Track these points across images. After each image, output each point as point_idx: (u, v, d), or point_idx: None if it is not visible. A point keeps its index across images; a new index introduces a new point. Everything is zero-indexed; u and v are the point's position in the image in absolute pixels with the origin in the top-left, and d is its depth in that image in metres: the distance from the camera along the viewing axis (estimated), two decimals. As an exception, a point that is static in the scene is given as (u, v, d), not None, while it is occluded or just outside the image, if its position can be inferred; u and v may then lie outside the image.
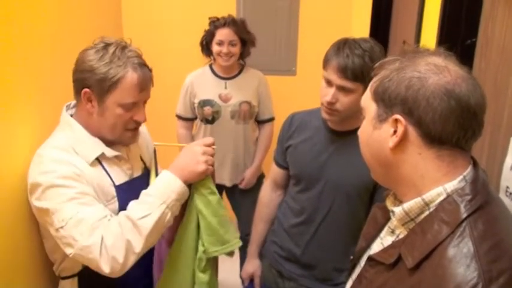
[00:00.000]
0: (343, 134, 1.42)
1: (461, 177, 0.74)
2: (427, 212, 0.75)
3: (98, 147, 1.22)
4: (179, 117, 2.43)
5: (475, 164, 0.77)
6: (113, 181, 1.24)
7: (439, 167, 0.74)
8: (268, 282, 1.64)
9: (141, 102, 1.22)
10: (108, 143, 1.25)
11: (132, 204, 1.15)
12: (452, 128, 0.72)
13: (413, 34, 2.07)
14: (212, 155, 1.25)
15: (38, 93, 1.35)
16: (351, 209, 1.42)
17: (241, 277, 1.76)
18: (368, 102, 0.81)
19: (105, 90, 1.15)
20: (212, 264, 1.31)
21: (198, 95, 2.33)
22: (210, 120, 2.32)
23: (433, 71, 0.73)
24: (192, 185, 1.24)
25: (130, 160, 1.33)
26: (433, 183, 0.75)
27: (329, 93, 1.31)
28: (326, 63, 1.33)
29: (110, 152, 1.24)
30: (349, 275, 0.98)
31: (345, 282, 1.00)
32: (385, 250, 0.82)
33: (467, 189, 0.73)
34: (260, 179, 2.48)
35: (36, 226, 1.26)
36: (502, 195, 1.09)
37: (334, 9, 2.76)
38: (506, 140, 1.12)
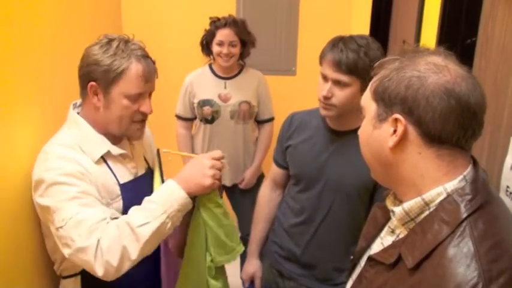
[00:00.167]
0: (343, 133, 1.42)
1: (461, 176, 0.74)
2: (427, 212, 0.75)
3: (104, 145, 1.23)
4: (179, 117, 2.43)
5: (475, 164, 0.77)
6: (117, 179, 1.24)
7: (439, 166, 0.74)
8: (269, 282, 1.64)
9: (146, 93, 1.23)
10: (114, 141, 1.26)
11: (134, 209, 1.15)
12: (452, 128, 0.72)
13: (413, 33, 2.07)
14: (220, 169, 1.24)
15: (38, 93, 1.35)
16: (351, 209, 1.42)
17: (241, 278, 1.74)
18: (368, 101, 0.81)
19: (110, 81, 1.16)
20: (223, 271, 1.33)
21: (197, 95, 2.33)
22: (210, 120, 2.32)
23: (432, 70, 0.73)
24: (198, 197, 1.24)
25: (135, 159, 1.34)
26: (433, 182, 0.75)
27: (325, 88, 1.33)
28: (322, 58, 1.35)
29: (115, 150, 1.25)
30: (349, 275, 0.98)
31: (345, 282, 0.99)
32: (385, 250, 0.82)
33: (468, 188, 0.73)
34: (260, 179, 2.48)
35: (38, 225, 1.26)
36: (502, 195, 1.09)
37: (334, 9, 2.76)
38: (506, 139, 1.11)
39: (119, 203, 1.23)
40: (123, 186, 1.25)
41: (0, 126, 1.16)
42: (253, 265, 1.67)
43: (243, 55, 2.33)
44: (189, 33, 2.55)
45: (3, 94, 1.17)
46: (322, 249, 1.48)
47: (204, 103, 2.30)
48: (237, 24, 2.22)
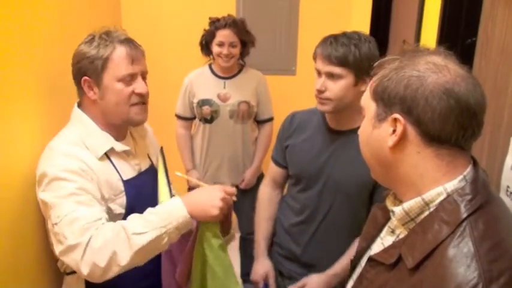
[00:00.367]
0: (343, 133, 1.42)
1: (461, 176, 0.74)
2: (427, 212, 0.75)
3: (108, 142, 1.25)
4: (178, 116, 2.43)
5: (475, 164, 0.77)
6: (120, 176, 1.26)
7: (439, 166, 0.74)
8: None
9: (137, 74, 1.24)
10: (118, 138, 1.28)
11: (133, 217, 1.15)
12: (452, 128, 0.71)
13: (414, 33, 2.07)
14: (229, 206, 1.24)
15: (38, 91, 1.35)
16: (351, 209, 1.42)
17: (252, 280, 1.62)
18: (367, 101, 0.81)
19: (100, 70, 1.20)
20: None
21: (197, 95, 2.32)
22: (209, 120, 2.32)
23: (432, 70, 0.73)
24: (199, 223, 1.24)
25: (138, 156, 1.36)
26: (432, 182, 0.74)
27: (319, 82, 1.35)
28: (314, 55, 1.38)
29: (119, 147, 1.27)
30: (350, 275, 0.98)
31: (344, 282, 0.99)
32: (385, 250, 0.82)
33: (468, 189, 0.73)
34: (260, 178, 2.47)
35: (42, 222, 1.27)
36: (503, 195, 1.09)
37: (334, 9, 2.76)
38: (506, 139, 1.11)
39: (123, 199, 1.25)
40: (126, 183, 1.27)
41: (1, 125, 1.16)
42: (265, 265, 1.60)
43: (242, 54, 2.33)
44: (189, 32, 2.55)
45: (3, 94, 1.17)
46: (322, 249, 1.48)
47: (203, 103, 2.30)
48: (236, 25, 2.22)
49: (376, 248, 0.88)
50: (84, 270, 1.07)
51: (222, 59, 2.23)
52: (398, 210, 0.78)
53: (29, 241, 1.26)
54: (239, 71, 2.36)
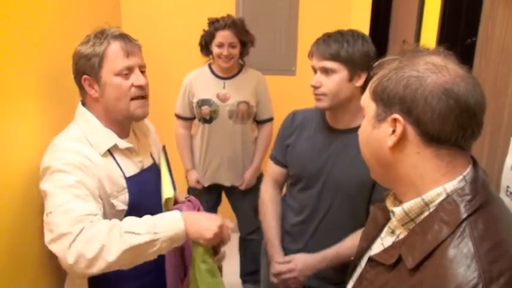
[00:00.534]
0: (343, 132, 1.42)
1: (461, 177, 0.74)
2: (427, 212, 0.75)
3: (111, 139, 1.27)
4: (178, 116, 2.43)
5: (474, 164, 0.77)
6: (123, 173, 1.27)
7: (438, 166, 0.74)
8: (268, 280, 1.64)
9: (134, 67, 1.25)
10: (121, 135, 1.29)
11: (131, 218, 1.16)
12: (451, 128, 0.71)
13: (413, 33, 2.07)
14: (225, 236, 1.25)
15: (38, 91, 1.35)
16: (351, 208, 1.42)
17: (272, 283, 1.54)
18: (367, 101, 0.81)
19: (97, 66, 1.22)
20: None
21: (196, 95, 2.32)
22: (208, 120, 2.32)
23: (431, 70, 0.73)
24: (192, 245, 1.24)
25: (141, 153, 1.37)
26: (432, 183, 0.74)
27: (314, 78, 1.38)
28: (310, 53, 1.41)
29: (122, 144, 1.28)
30: (350, 275, 0.98)
31: (344, 282, 0.99)
32: (385, 251, 0.82)
33: (467, 189, 0.73)
34: (260, 178, 2.47)
35: (41, 221, 1.26)
36: (503, 195, 1.09)
37: (333, 8, 2.76)
38: (506, 139, 1.11)
39: (125, 196, 1.27)
40: (129, 180, 1.28)
41: (2, 125, 1.16)
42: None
43: (242, 54, 2.33)
44: (189, 32, 2.55)
45: (3, 93, 1.17)
46: (321, 248, 1.47)
47: (202, 103, 2.30)
48: (236, 25, 2.21)
49: (376, 248, 0.88)
50: (70, 259, 1.06)
51: (222, 60, 2.23)
52: (398, 210, 0.78)
53: (29, 240, 1.26)
54: (239, 71, 2.36)
